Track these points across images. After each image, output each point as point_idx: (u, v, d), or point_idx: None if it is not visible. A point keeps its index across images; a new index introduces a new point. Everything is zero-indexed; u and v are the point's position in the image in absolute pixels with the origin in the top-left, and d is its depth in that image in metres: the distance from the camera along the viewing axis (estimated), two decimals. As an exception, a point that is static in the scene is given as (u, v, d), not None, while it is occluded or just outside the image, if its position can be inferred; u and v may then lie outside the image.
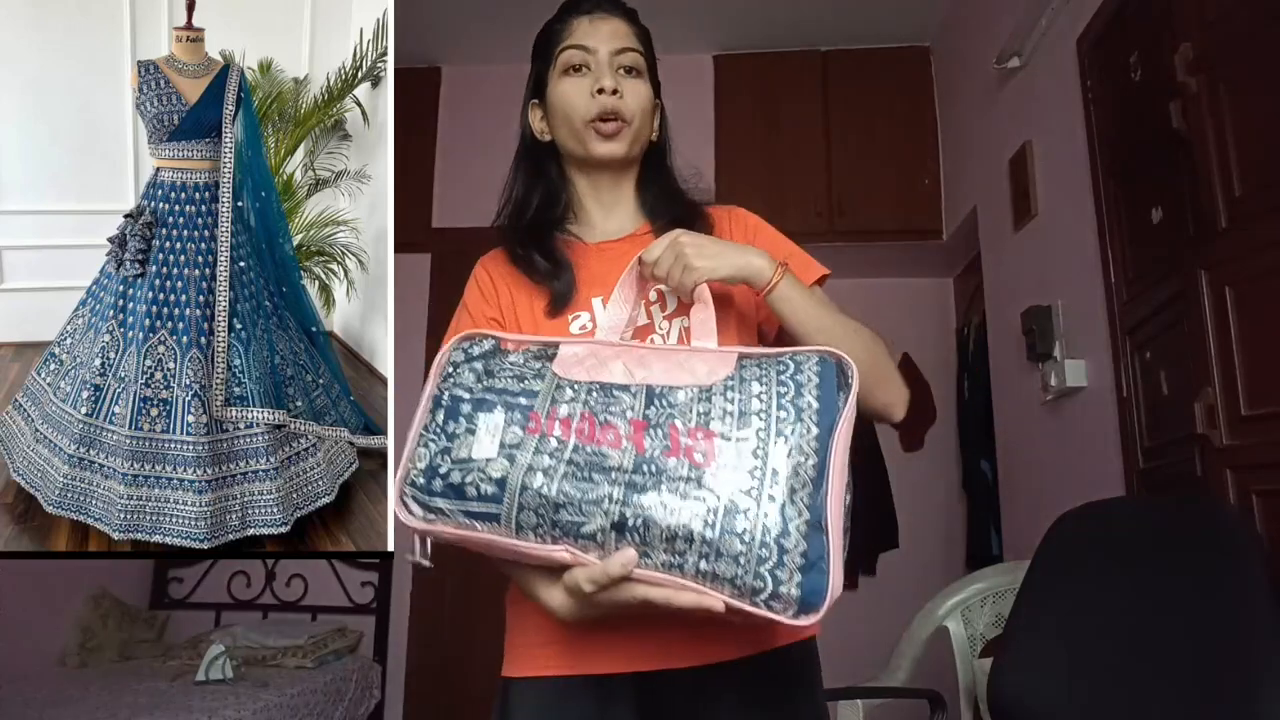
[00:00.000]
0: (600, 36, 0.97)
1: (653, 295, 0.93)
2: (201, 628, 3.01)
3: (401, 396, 3.27)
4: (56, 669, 2.60)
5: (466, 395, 0.73)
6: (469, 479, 0.69)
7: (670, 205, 1.00)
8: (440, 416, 0.73)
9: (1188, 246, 1.48)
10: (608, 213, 1.02)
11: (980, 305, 2.81)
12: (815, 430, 0.65)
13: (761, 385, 0.68)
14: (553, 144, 1.02)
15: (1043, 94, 2.23)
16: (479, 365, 0.75)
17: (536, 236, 0.98)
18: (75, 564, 2.75)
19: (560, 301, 0.94)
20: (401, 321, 3.31)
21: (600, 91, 0.94)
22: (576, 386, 0.71)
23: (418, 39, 3.36)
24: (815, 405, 0.66)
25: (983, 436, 2.77)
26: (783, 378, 0.69)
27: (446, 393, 0.74)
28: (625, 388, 0.70)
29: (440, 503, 0.70)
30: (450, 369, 0.76)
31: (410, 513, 0.71)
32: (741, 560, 0.62)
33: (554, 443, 0.68)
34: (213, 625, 3.03)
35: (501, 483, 0.68)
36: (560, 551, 0.67)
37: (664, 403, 0.69)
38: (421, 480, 0.71)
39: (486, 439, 0.70)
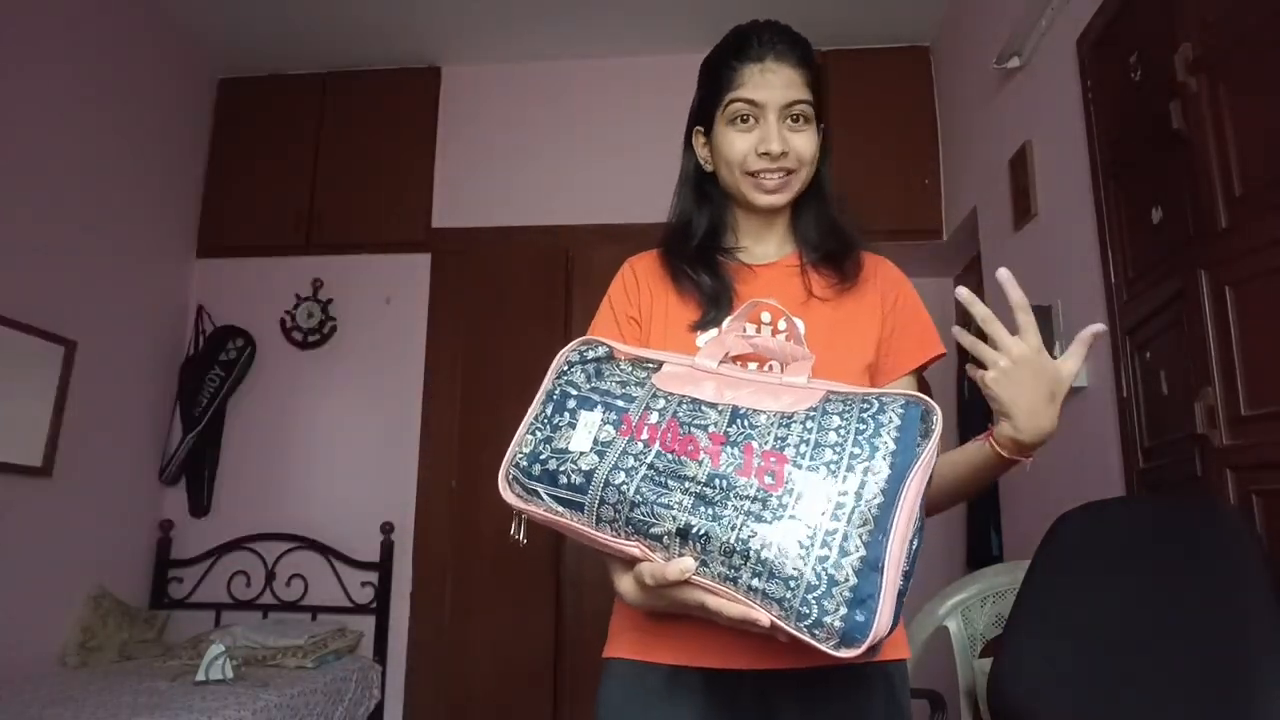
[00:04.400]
0: (771, 90, 0.96)
1: (783, 324, 0.96)
2: (201, 628, 3.01)
3: (400, 392, 3.28)
4: (56, 669, 2.60)
5: (574, 392, 0.79)
6: (562, 468, 0.74)
7: (825, 239, 1.03)
8: (549, 409, 0.79)
9: (1188, 246, 1.48)
10: (761, 238, 1.05)
11: (980, 305, 2.81)
12: (887, 471, 0.66)
13: (842, 420, 0.70)
14: (714, 173, 1.04)
15: (1043, 94, 2.23)
16: (590, 368, 0.81)
17: (701, 260, 1.01)
18: (75, 564, 2.76)
19: (709, 322, 0.97)
20: (402, 321, 3.32)
21: (766, 154, 0.95)
22: (670, 397, 0.76)
23: (418, 39, 3.36)
24: (892, 446, 0.67)
25: (983, 436, 2.77)
26: (865, 415, 0.70)
27: (558, 388, 0.80)
28: (713, 405, 0.74)
29: (536, 485, 0.76)
30: (565, 367, 0.82)
31: (511, 491, 0.78)
32: (792, 585, 0.63)
33: (640, 445, 0.73)
34: (213, 625, 3.04)
35: (589, 475, 0.73)
36: (632, 547, 0.71)
37: (745, 423, 0.71)
38: (524, 463, 0.77)
39: (583, 433, 0.75)
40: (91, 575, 2.82)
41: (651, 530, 0.70)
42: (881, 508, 0.64)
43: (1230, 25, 1.38)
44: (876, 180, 3.11)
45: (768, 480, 0.67)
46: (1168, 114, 1.52)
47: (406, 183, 3.42)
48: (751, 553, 0.65)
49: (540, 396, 0.81)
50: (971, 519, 2.98)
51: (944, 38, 3.15)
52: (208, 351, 3.26)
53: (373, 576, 3.11)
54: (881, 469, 0.66)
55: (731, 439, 0.70)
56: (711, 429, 0.71)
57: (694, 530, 0.67)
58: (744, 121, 0.97)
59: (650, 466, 0.71)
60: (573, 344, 0.85)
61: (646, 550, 0.70)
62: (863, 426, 0.68)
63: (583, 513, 0.73)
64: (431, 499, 3.17)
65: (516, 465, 0.78)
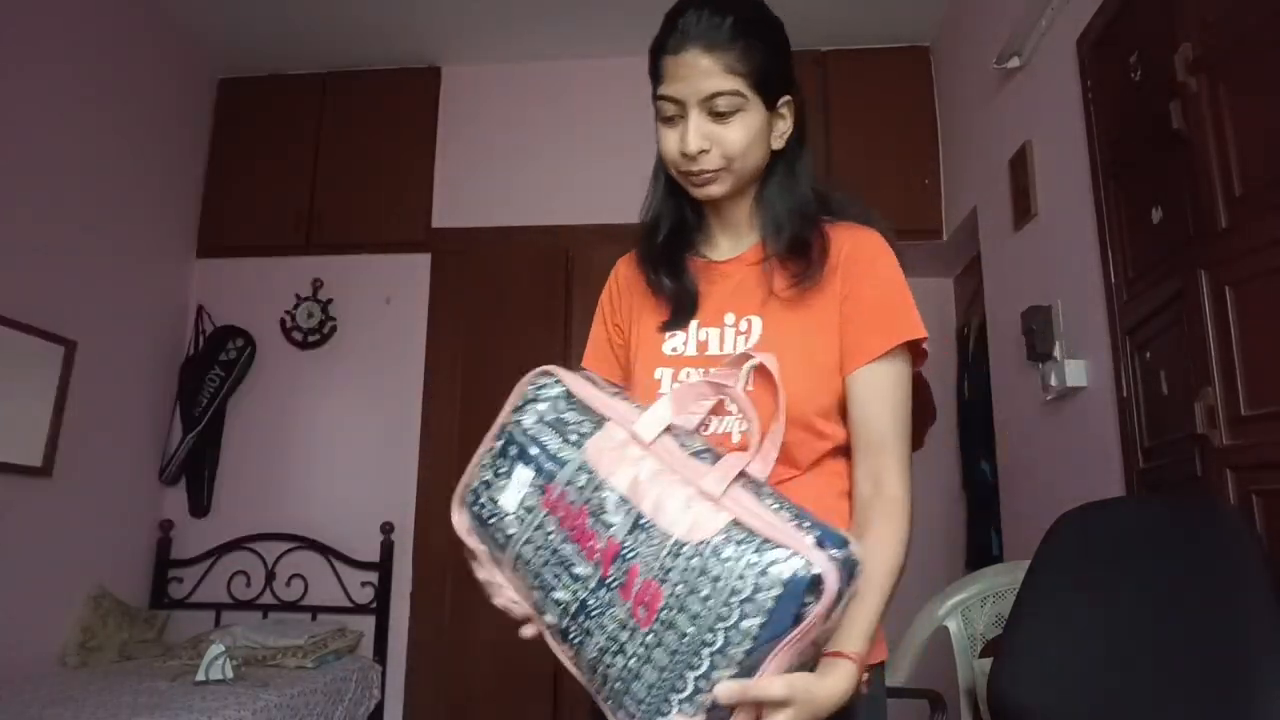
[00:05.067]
0: (686, 84, 0.88)
1: (743, 325, 0.93)
2: (201, 628, 3.01)
3: (400, 392, 3.28)
4: (56, 669, 2.60)
5: (518, 437, 0.79)
6: (491, 520, 0.78)
7: (784, 227, 0.94)
8: (498, 447, 0.80)
9: (1188, 246, 1.48)
10: (728, 230, 1.00)
11: (980, 305, 2.81)
12: (747, 643, 0.61)
13: (724, 566, 0.64)
14: None
15: (1043, 94, 2.23)
16: (544, 406, 0.79)
17: (664, 260, 0.98)
18: (75, 564, 2.76)
19: (675, 325, 0.95)
20: (402, 321, 3.32)
21: (685, 155, 0.90)
22: (591, 477, 0.74)
23: (418, 39, 3.36)
24: (762, 615, 0.61)
25: (983, 436, 2.77)
26: (747, 570, 0.63)
27: (510, 429, 0.80)
28: (622, 505, 0.71)
29: (474, 524, 0.80)
30: (522, 403, 0.81)
31: (458, 516, 0.82)
32: (631, 709, 0.67)
33: (553, 523, 0.74)
34: (213, 625, 3.04)
35: (508, 539, 0.77)
36: (526, 612, 0.78)
37: (641, 537, 0.69)
38: (469, 497, 0.81)
39: (514, 492, 0.77)
40: (91, 575, 2.82)
41: (541, 611, 0.75)
42: (735, 676, 0.62)
43: (1230, 25, 1.38)
44: (876, 180, 3.11)
45: (640, 613, 0.66)
46: (1168, 114, 1.52)
47: (406, 183, 3.41)
48: (609, 680, 0.68)
49: (495, 429, 0.81)
50: (971, 519, 2.98)
51: (944, 38, 3.15)
52: (208, 351, 3.26)
53: (373, 576, 3.11)
54: (743, 637, 0.61)
55: (623, 554, 0.69)
56: (611, 535, 0.70)
57: (569, 637, 0.72)
58: (669, 122, 0.91)
59: (553, 551, 0.73)
60: (530, 375, 0.82)
61: (542, 626, 0.75)
62: (740, 583, 0.62)
63: (503, 565, 0.79)
64: (431, 499, 3.17)
65: (471, 491, 0.80)
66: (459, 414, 3.21)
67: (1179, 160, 1.50)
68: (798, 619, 0.61)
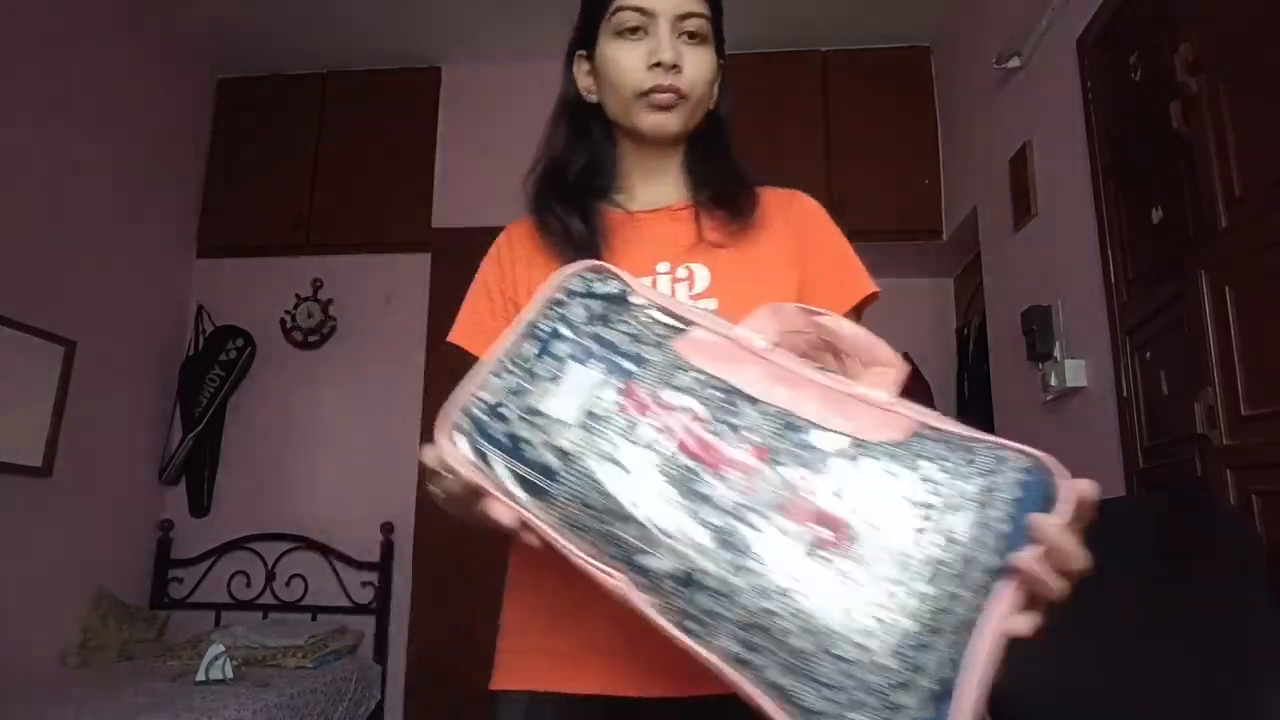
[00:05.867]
0: None
1: (681, 273, 0.84)
2: (201, 628, 3.01)
3: (400, 393, 3.28)
4: (56, 669, 2.60)
5: (568, 334, 0.59)
6: (531, 437, 0.54)
7: (716, 179, 0.90)
8: (529, 349, 0.58)
9: (1188, 246, 1.48)
10: (650, 181, 0.92)
11: (980, 305, 2.81)
12: (995, 559, 0.46)
13: (938, 468, 0.49)
14: (599, 104, 0.91)
15: (1043, 94, 2.23)
16: (596, 305, 0.61)
17: (575, 203, 0.88)
18: (75, 564, 2.76)
19: None
20: (402, 322, 3.32)
21: (658, 65, 0.83)
22: (699, 376, 0.55)
23: (418, 39, 3.36)
24: (1004, 527, 0.46)
25: (983, 436, 2.77)
26: (969, 467, 0.49)
27: (548, 324, 0.59)
28: (755, 401, 0.53)
29: (490, 450, 0.55)
30: (563, 296, 0.61)
31: (455, 445, 0.56)
32: (827, 694, 0.44)
33: (648, 433, 0.53)
34: (213, 625, 3.03)
35: (566, 458, 0.53)
36: (610, 576, 0.52)
37: (801, 441, 0.51)
38: (483, 416, 0.56)
39: (570, 397, 0.55)
40: (91, 575, 2.82)
41: (645, 563, 0.50)
42: (970, 611, 0.45)
43: (1230, 25, 1.38)
44: (876, 180, 3.11)
45: (825, 534, 0.47)
46: (1168, 114, 1.52)
47: (406, 183, 3.41)
48: (781, 632, 0.46)
49: (518, 328, 0.60)
50: (971, 519, 2.98)
51: (944, 38, 3.15)
52: (208, 351, 3.26)
53: (373, 576, 3.11)
54: (986, 556, 0.46)
55: (778, 457, 0.50)
56: (752, 437, 0.51)
57: (706, 580, 0.48)
58: (632, 34, 0.85)
59: (661, 471, 0.52)
60: (575, 267, 0.64)
61: (628, 585, 0.51)
62: (966, 484, 0.48)
63: (546, 504, 0.53)
64: (431, 499, 3.16)
65: (469, 415, 0.56)
66: (459, 414, 3.21)
67: (1179, 160, 1.50)
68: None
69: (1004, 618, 0.46)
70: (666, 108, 0.85)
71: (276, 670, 2.59)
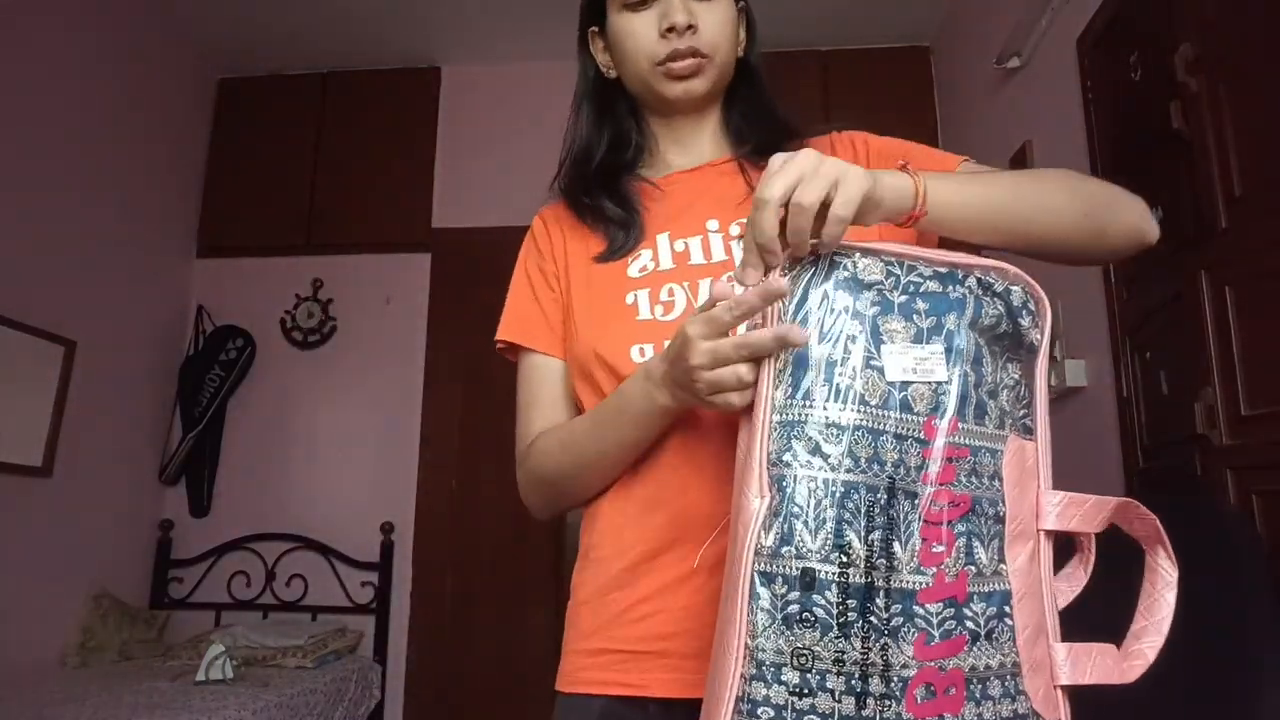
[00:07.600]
0: None
1: (734, 230, 0.79)
2: (201, 628, 3.01)
3: (400, 392, 3.27)
4: (56, 669, 2.60)
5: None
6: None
7: (756, 129, 0.85)
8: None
9: (1188, 246, 1.48)
10: (686, 148, 0.89)
11: (980, 305, 2.81)
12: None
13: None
14: (620, 80, 0.88)
15: (1043, 94, 2.23)
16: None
17: (606, 181, 0.86)
18: (75, 564, 2.76)
19: (617, 251, 0.82)
20: (402, 321, 3.32)
21: (671, 30, 0.79)
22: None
23: (418, 39, 3.36)
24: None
25: (983, 436, 2.77)
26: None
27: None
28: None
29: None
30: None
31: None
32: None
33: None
34: (213, 625, 3.03)
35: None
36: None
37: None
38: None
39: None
40: (91, 575, 2.82)
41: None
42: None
43: (1230, 25, 1.38)
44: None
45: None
46: (1168, 114, 1.52)
47: (406, 183, 3.41)
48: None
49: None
50: (971, 519, 2.98)
51: (944, 38, 3.15)
52: (208, 351, 3.26)
53: (373, 576, 3.11)
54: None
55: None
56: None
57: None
58: (641, 4, 0.81)
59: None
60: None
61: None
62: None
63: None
64: (431, 499, 3.17)
65: None
66: (459, 414, 3.21)
67: (1179, 160, 1.50)
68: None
69: None
70: (689, 75, 0.82)
71: (276, 670, 2.59)
